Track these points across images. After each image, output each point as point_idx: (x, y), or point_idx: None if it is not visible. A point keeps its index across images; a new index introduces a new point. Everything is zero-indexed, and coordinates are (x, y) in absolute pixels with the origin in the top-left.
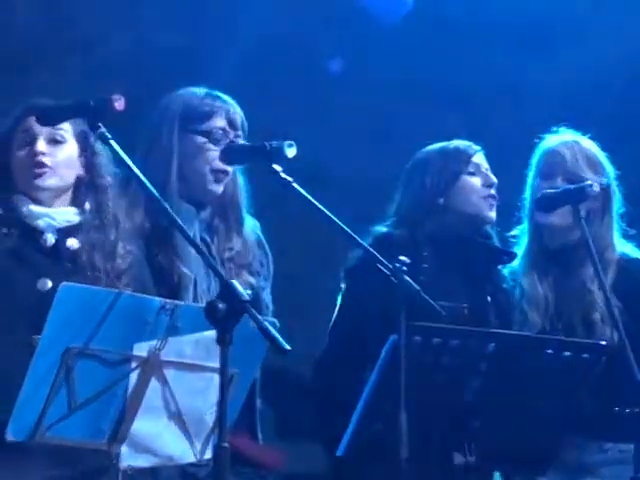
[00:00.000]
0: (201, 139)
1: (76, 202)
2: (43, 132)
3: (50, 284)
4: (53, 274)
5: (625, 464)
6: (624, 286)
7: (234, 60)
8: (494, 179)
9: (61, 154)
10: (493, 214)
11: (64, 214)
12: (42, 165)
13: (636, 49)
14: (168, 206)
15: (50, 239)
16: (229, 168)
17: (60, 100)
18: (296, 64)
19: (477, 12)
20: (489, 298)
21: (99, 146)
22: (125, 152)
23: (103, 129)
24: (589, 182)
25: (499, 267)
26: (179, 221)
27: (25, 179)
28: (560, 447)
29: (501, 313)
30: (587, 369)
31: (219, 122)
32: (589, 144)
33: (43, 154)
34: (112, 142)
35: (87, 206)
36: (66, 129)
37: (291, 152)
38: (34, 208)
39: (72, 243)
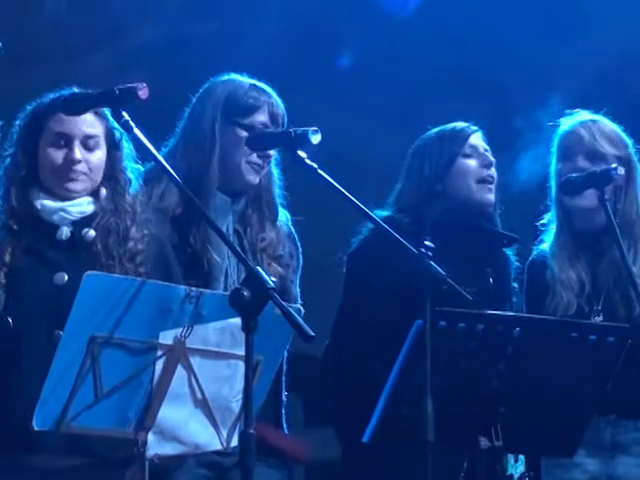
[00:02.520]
0: (242, 132)
1: (93, 192)
2: (78, 136)
3: (66, 277)
4: (69, 267)
5: None
6: None
7: (259, 49)
8: (491, 159)
9: (94, 159)
10: (490, 196)
11: (78, 206)
12: (78, 172)
13: None
14: (202, 194)
15: (65, 232)
16: (255, 181)
17: (89, 89)
18: (319, 51)
19: None
20: (491, 280)
21: (124, 142)
22: (153, 141)
23: (127, 118)
24: (614, 165)
25: (503, 250)
26: (201, 207)
27: (57, 180)
28: (586, 429)
29: (501, 296)
30: (613, 352)
31: (261, 117)
32: (605, 121)
33: (80, 162)
34: (136, 131)
35: (103, 192)
36: (99, 134)
37: (316, 138)
38: (48, 203)
39: (88, 233)
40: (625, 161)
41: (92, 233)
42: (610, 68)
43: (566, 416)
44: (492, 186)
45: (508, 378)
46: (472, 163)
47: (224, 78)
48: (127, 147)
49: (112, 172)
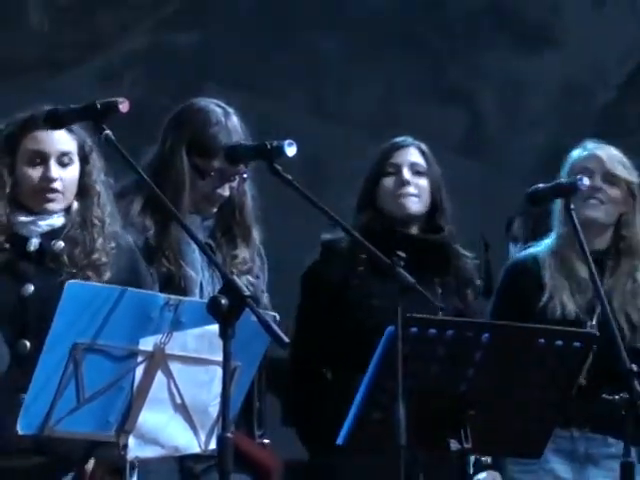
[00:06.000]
0: (199, 173)
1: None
2: (53, 153)
3: (32, 288)
4: (36, 278)
5: None
6: None
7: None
8: (405, 176)
9: (68, 177)
10: (410, 205)
11: (48, 219)
12: (55, 191)
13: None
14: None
15: (35, 244)
16: (225, 193)
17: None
18: (296, 60)
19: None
20: (439, 290)
21: (94, 155)
22: (136, 152)
23: (108, 131)
24: (579, 176)
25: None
26: (183, 221)
27: (35, 200)
28: (552, 432)
29: (452, 308)
30: (579, 357)
31: (217, 163)
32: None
33: (56, 180)
34: (118, 145)
35: (74, 205)
36: (72, 150)
37: (291, 151)
38: (22, 218)
39: (56, 244)
40: (634, 188)
41: (61, 244)
42: (578, 79)
43: (533, 419)
44: (413, 198)
45: (477, 383)
46: (390, 182)
47: (196, 106)
48: (97, 160)
49: (83, 185)
